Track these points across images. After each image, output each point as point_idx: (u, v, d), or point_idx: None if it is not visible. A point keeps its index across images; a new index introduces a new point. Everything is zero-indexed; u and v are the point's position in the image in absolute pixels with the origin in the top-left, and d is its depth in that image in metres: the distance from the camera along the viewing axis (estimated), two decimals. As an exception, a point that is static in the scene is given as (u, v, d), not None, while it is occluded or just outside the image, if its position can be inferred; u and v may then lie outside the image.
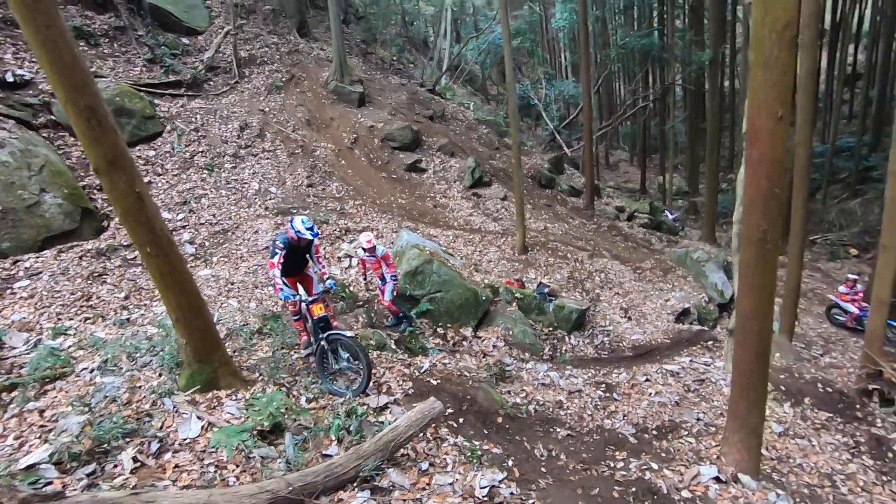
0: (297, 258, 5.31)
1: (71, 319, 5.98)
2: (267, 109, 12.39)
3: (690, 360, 7.55)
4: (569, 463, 4.52)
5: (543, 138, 22.30)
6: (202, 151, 10.18)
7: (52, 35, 3.18)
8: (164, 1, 12.56)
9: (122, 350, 4.95)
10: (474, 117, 19.27)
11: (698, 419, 5.71)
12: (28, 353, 5.03)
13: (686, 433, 5.37)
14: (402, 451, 3.83)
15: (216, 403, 4.16)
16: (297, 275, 5.45)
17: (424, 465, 3.77)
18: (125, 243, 7.38)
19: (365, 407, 4.43)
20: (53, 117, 8.42)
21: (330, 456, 3.62)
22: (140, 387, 4.32)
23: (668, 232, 16.88)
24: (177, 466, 3.37)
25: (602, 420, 5.73)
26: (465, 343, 7.15)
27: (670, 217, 18.32)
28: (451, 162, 14.26)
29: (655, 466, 4.37)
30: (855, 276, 10.65)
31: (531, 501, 3.59)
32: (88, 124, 3.43)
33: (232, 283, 7.37)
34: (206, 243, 8.37)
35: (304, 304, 5.06)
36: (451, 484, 3.54)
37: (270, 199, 9.84)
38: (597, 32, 23.01)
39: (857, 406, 6.55)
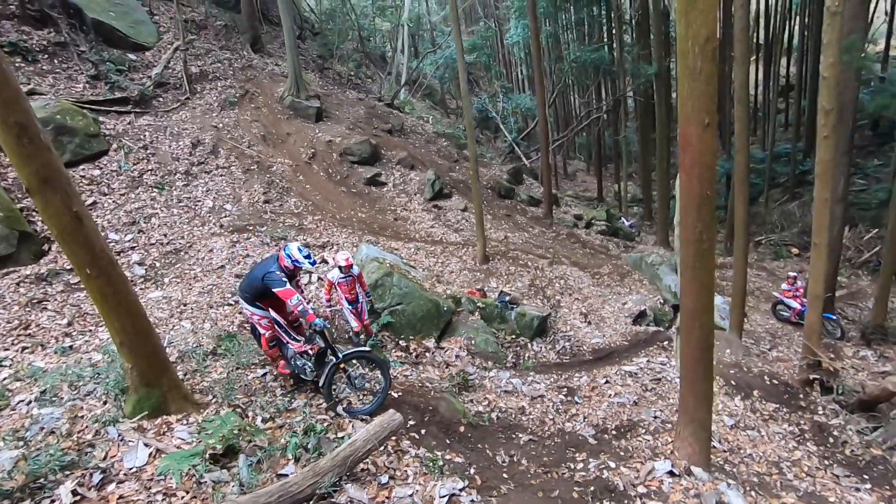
0: None
1: (7, 349, 5.62)
2: (220, 125, 12.14)
3: (647, 361, 7.79)
4: (530, 467, 4.57)
5: (502, 150, 22.74)
6: (151, 169, 9.86)
7: (-23, 50, 3.04)
8: (109, 16, 12.18)
9: (63, 379, 4.69)
10: (434, 131, 19.46)
11: (655, 417, 5.88)
12: (-43, 388, 4.69)
13: (644, 431, 5.52)
14: (361, 465, 3.78)
15: (165, 429, 4.00)
16: (271, 298, 5.12)
17: (384, 479, 3.74)
18: (68, 267, 7.03)
19: (324, 423, 4.36)
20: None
21: (286, 475, 3.53)
22: (82, 416, 4.10)
23: (625, 238, 17.46)
24: (121, 497, 3.21)
25: (563, 423, 5.83)
26: (427, 354, 7.14)
27: (626, 223, 18.97)
28: (411, 175, 14.33)
29: (613, 465, 4.47)
30: (795, 274, 11.30)
31: (491, 507, 3.61)
32: (19, 142, 3.29)
33: (185, 305, 7.12)
34: (157, 264, 8.07)
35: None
36: (410, 496, 3.52)
37: (225, 217, 9.61)
38: (550, 47, 23.75)
39: (801, 396, 6.92)
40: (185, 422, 4.12)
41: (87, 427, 3.93)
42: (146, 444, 3.68)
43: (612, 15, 21.91)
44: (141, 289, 7.30)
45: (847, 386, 6.98)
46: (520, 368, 7.66)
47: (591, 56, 20.20)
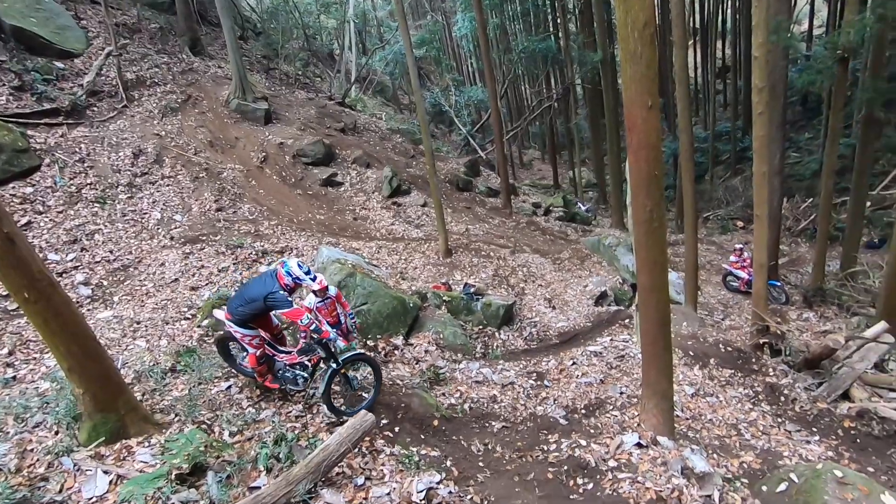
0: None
1: (-60, 387, 5.21)
2: (163, 133, 11.60)
3: (611, 339, 8.04)
4: (505, 453, 4.65)
5: (458, 143, 22.81)
6: (91, 183, 9.31)
7: None
8: (30, 22, 11.37)
9: (6, 412, 4.39)
10: (387, 127, 19.30)
11: (621, 393, 6.09)
12: None
13: (611, 407, 5.71)
14: (336, 469, 3.74)
15: (126, 453, 3.82)
16: (263, 317, 4.96)
17: (360, 480, 3.71)
18: (3, 293, 6.57)
19: (295, 431, 4.28)
20: None
21: (258, 488, 3.45)
22: (32, 449, 3.85)
23: (582, 222, 17.89)
24: (82, 529, 3.06)
25: (534, 407, 5.94)
26: (396, 352, 7.10)
27: (583, 208, 19.44)
28: (368, 173, 14.17)
29: (584, 443, 4.61)
30: (741, 246, 11.93)
31: (469, 497, 3.64)
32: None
33: (138, 323, 6.79)
34: (105, 283, 7.65)
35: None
36: (388, 494, 3.51)
37: (175, 228, 9.21)
38: (498, 39, 23.93)
39: (753, 360, 7.32)
40: (146, 444, 3.94)
41: (38, 460, 3.70)
42: (105, 472, 3.51)
43: (556, 4, 22.27)
44: (88, 310, 6.92)
45: (793, 347, 7.43)
46: (489, 358, 7.75)
47: (539, 46, 20.47)
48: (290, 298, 4.57)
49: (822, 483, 3.45)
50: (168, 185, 10.24)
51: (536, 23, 24.78)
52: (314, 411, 5.00)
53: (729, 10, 26.34)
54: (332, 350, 4.77)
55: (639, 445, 4.37)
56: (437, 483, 3.74)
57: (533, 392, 6.36)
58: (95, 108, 11.24)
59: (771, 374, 6.94)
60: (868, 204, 13.36)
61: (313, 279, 4.82)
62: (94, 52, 12.49)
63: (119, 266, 7.97)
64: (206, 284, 7.76)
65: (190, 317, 6.78)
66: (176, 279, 7.80)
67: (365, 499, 3.49)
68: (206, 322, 6.50)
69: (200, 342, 6.20)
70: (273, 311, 4.87)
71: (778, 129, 9.72)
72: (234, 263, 8.44)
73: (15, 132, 8.86)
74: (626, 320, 9.19)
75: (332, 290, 5.57)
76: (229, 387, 5.16)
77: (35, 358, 5.86)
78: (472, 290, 9.17)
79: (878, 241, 13.88)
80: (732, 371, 6.97)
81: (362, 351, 5.29)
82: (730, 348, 7.70)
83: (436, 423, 5.21)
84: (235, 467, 3.66)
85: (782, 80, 9.74)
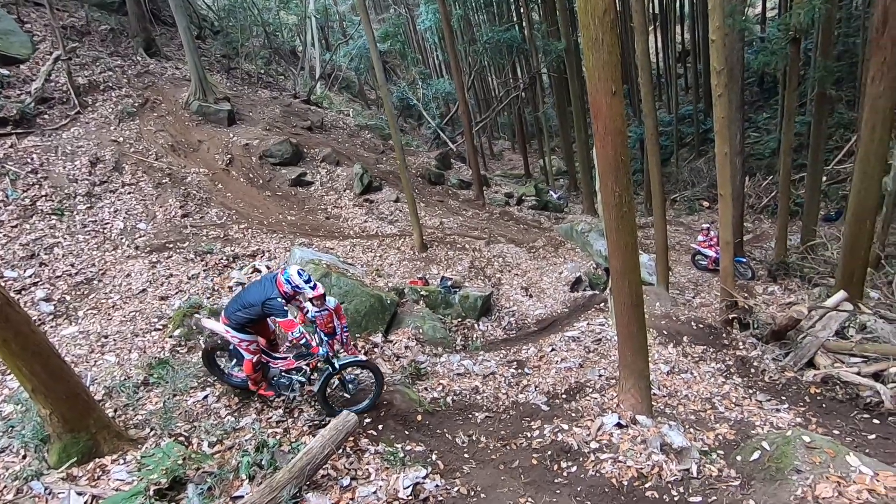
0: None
1: None
2: (121, 139, 11.18)
3: (587, 324, 8.18)
4: (489, 443, 4.68)
5: (428, 137, 22.69)
6: (46, 195, 8.91)
7: None
8: (-32, 28, 10.78)
9: (-32, 439, 4.18)
10: (355, 123, 19.05)
11: (600, 375, 6.21)
12: None
13: (591, 390, 5.82)
14: (321, 471, 3.70)
15: (100, 472, 3.69)
16: (260, 323, 4.91)
17: (346, 481, 3.68)
18: (-42, 314, 6.24)
19: (276, 436, 4.22)
20: None
21: (241, 497, 3.39)
22: (-2, 476, 3.69)
23: (555, 210, 18.11)
24: (57, 554, 2.95)
25: (516, 396, 6.00)
26: (376, 350, 7.07)
27: (555, 196, 19.66)
28: (338, 171, 13.97)
29: (566, 427, 4.68)
30: (708, 225, 12.27)
31: (456, 489, 3.66)
32: None
33: (106, 337, 6.55)
34: (68, 297, 7.35)
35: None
36: (374, 493, 3.50)
37: (140, 237, 8.91)
38: (462, 30, 23.81)
39: (724, 335, 7.57)
40: (121, 461, 3.82)
41: (5, 487, 3.55)
42: (79, 493, 3.39)
43: (518, -6, 22.33)
44: (52, 326, 6.64)
45: (761, 320, 7.71)
46: (469, 350, 7.79)
47: (503, 36, 20.46)
48: (286, 307, 4.56)
49: (791, 449, 3.60)
50: (130, 193, 9.88)
51: (500, 13, 24.76)
52: (295, 415, 4.94)
53: (686, -5, 26.85)
54: (329, 355, 4.85)
55: (619, 426, 4.46)
56: (424, 478, 3.75)
57: (514, 380, 6.42)
58: (46, 116, 10.74)
59: (741, 347, 7.19)
60: (824, 179, 13.93)
61: (313, 287, 4.77)
62: (40, 56, 11.93)
63: (82, 279, 7.67)
64: (176, 293, 7.54)
65: (161, 327, 6.58)
66: (144, 290, 7.56)
67: (351, 499, 3.47)
68: (178, 332, 6.33)
69: (173, 352, 6.03)
70: (270, 318, 4.88)
71: (737, 110, 10.01)
72: (204, 270, 8.23)
73: (-41, 145, 8.40)
74: (602, 304, 9.37)
75: (332, 302, 5.46)
76: (206, 396, 5.05)
77: (-4, 381, 5.59)
78: (450, 283, 9.18)
79: (835, 213, 14.51)
80: (705, 347, 7.19)
81: (362, 358, 5.29)
82: (701, 325, 7.94)
83: (419, 417, 5.21)
84: (216, 478, 3.58)
85: (739, 63, 10.01)
